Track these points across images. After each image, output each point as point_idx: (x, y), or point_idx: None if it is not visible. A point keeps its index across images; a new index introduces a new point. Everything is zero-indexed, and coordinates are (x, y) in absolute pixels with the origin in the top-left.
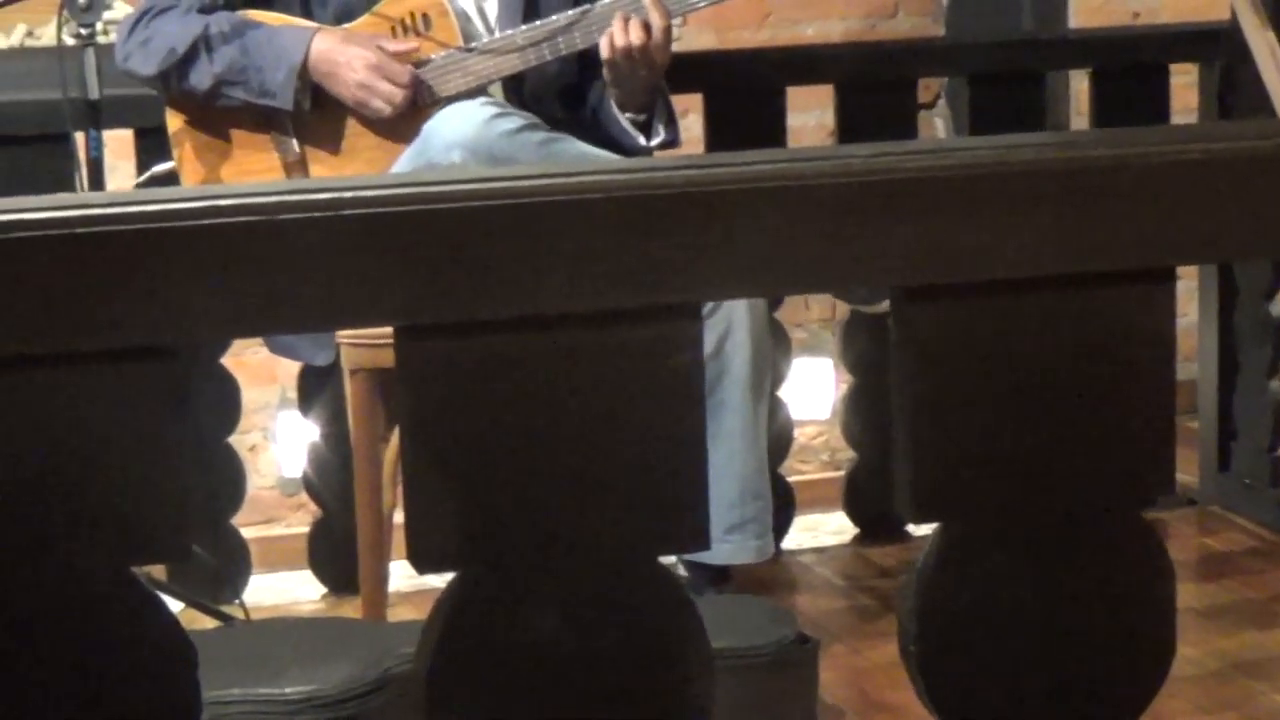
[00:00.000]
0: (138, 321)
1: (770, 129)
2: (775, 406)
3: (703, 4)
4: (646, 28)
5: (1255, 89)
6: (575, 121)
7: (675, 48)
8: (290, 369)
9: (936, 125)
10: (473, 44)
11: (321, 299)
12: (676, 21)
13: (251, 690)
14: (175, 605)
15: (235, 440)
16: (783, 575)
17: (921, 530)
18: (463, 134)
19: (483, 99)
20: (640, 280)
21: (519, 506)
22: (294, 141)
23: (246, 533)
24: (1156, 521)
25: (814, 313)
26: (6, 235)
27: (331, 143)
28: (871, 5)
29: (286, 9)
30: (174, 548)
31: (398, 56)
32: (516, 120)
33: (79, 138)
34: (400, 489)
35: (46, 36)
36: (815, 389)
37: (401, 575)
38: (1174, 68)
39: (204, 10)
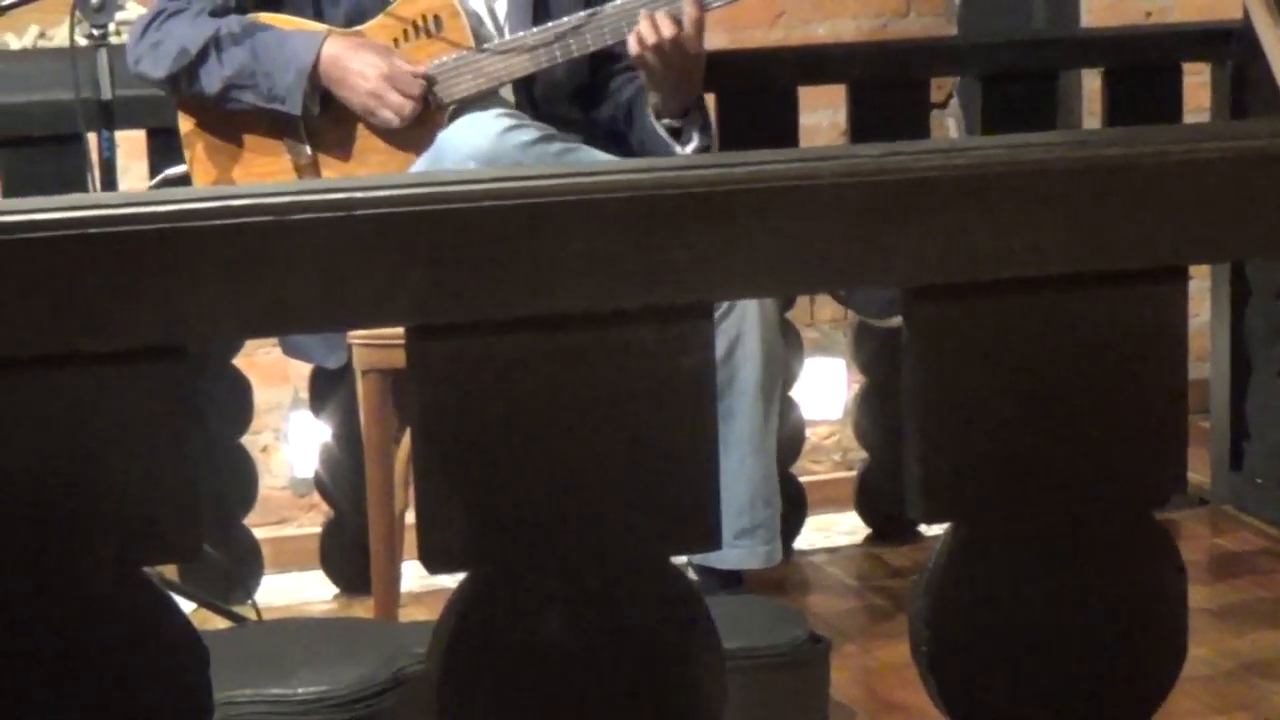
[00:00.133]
0: (150, 322)
1: (783, 128)
2: (787, 407)
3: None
4: (676, 20)
5: (1268, 88)
6: (587, 123)
7: None
8: (302, 369)
9: (948, 125)
10: (484, 45)
11: (333, 299)
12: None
13: (263, 690)
14: (187, 605)
15: (247, 440)
16: (794, 575)
17: (934, 530)
18: (477, 146)
19: (497, 110)
20: (652, 281)
21: (531, 507)
22: (305, 145)
23: (258, 533)
24: (1168, 521)
25: (826, 313)
26: (19, 235)
27: (343, 146)
28: (883, 5)
29: (298, 10)
30: (185, 548)
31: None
32: (532, 131)
33: (91, 138)
34: (412, 489)
35: (59, 37)
36: (827, 389)
37: (413, 575)
38: (1186, 67)
39: (215, 13)
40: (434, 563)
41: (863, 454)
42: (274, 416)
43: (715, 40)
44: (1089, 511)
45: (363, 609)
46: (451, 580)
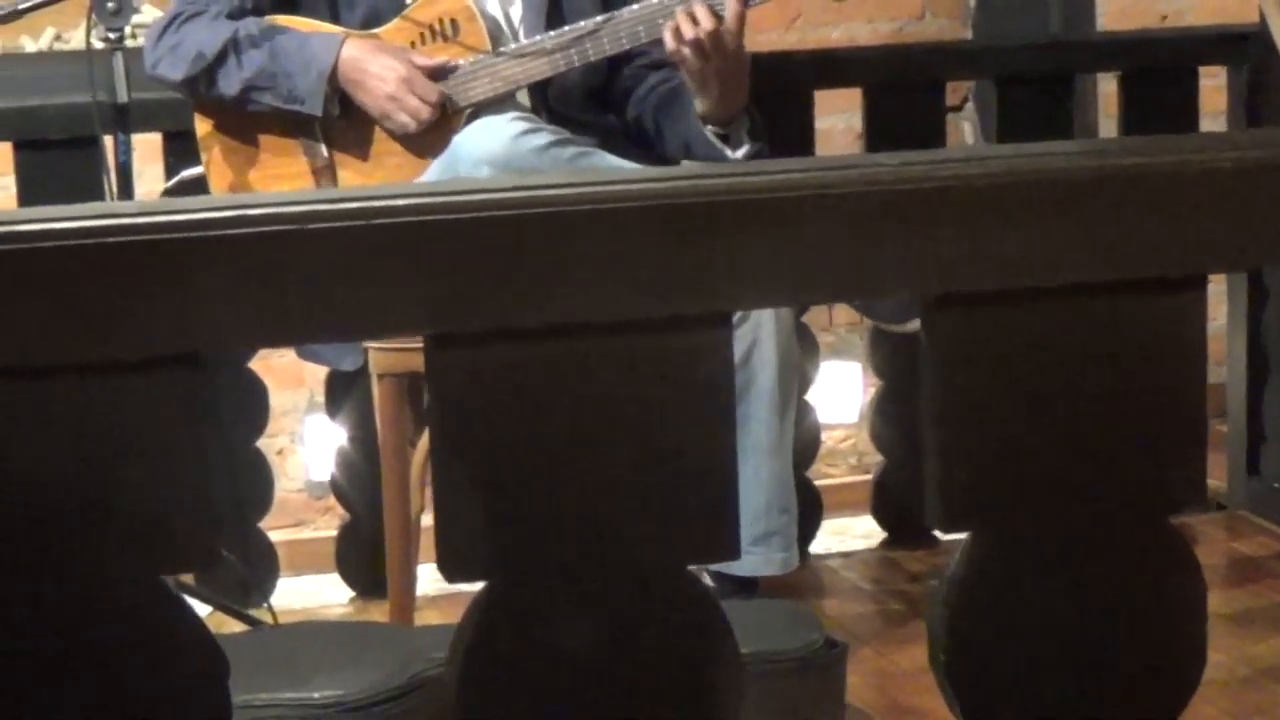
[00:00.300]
0: (167, 331)
1: (798, 132)
2: (803, 410)
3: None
4: (715, 15)
5: None
6: (602, 126)
7: None
8: (318, 373)
9: (964, 128)
10: (501, 49)
11: (351, 309)
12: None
13: (279, 694)
14: (203, 609)
15: (263, 444)
16: (810, 579)
17: (949, 535)
18: (491, 150)
19: (512, 114)
20: (669, 289)
21: (549, 516)
22: (322, 147)
23: (274, 536)
24: (1184, 526)
25: (842, 317)
26: (37, 244)
27: (360, 148)
28: (899, 8)
29: (314, 13)
30: (202, 556)
31: (428, 71)
32: (546, 136)
33: (107, 141)
34: (428, 493)
35: (75, 40)
36: (843, 393)
37: (429, 579)
38: (1202, 70)
39: (233, 15)
40: (452, 572)
41: (878, 458)
42: (290, 420)
43: None
44: (1107, 519)
45: (378, 612)
46: (467, 585)
